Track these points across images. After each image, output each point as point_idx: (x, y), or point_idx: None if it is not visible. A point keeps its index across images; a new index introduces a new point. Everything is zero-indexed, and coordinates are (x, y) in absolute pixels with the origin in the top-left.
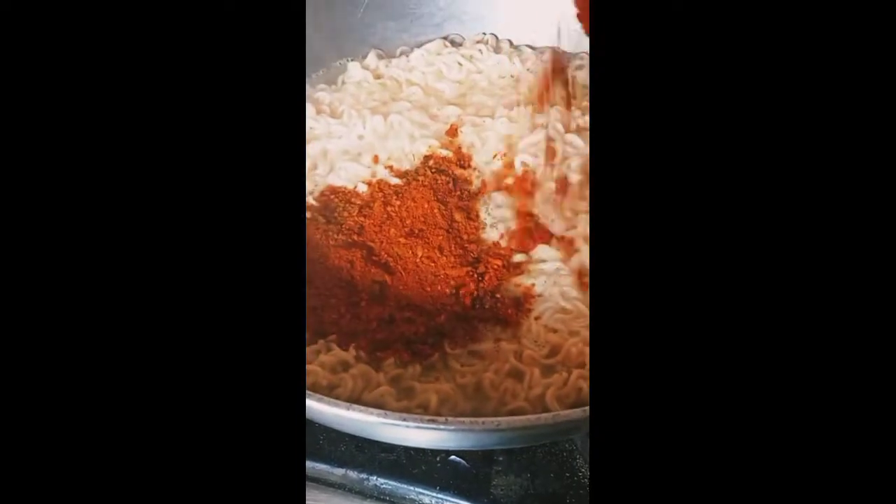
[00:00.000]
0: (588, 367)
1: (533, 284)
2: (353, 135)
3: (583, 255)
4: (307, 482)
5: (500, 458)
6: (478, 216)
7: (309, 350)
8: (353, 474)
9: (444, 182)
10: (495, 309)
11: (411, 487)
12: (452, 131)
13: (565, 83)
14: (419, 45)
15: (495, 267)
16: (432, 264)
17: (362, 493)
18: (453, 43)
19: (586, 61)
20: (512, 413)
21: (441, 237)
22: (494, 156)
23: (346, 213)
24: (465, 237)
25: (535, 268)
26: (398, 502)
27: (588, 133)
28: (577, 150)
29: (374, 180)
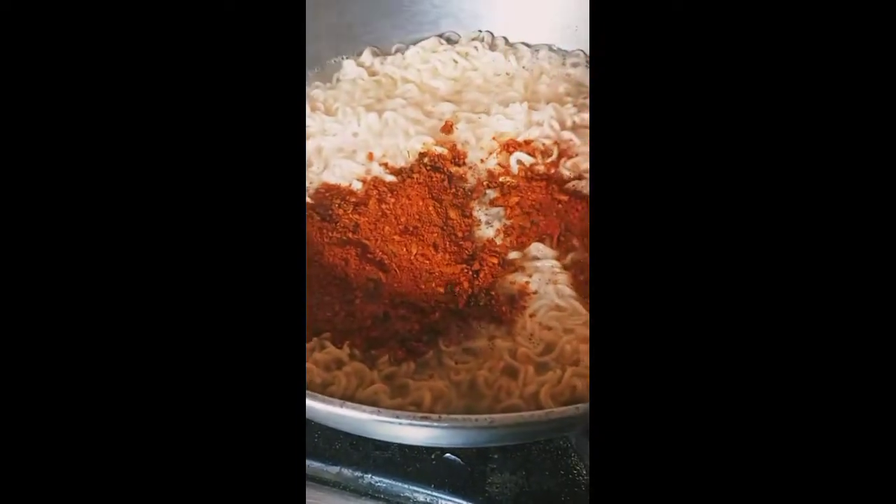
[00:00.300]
0: (582, 364)
1: (528, 282)
2: (348, 132)
3: (578, 253)
4: None
5: (495, 456)
6: (472, 214)
7: None
8: (347, 472)
9: (439, 179)
10: (490, 306)
11: (406, 485)
12: (447, 128)
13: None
14: (414, 43)
15: (490, 264)
16: (427, 262)
17: (357, 491)
18: (449, 40)
19: (582, 59)
20: (506, 411)
21: (436, 234)
22: (490, 153)
23: (340, 211)
24: (459, 234)
25: (530, 265)
26: (393, 500)
27: (584, 130)
28: (572, 147)
29: (368, 177)
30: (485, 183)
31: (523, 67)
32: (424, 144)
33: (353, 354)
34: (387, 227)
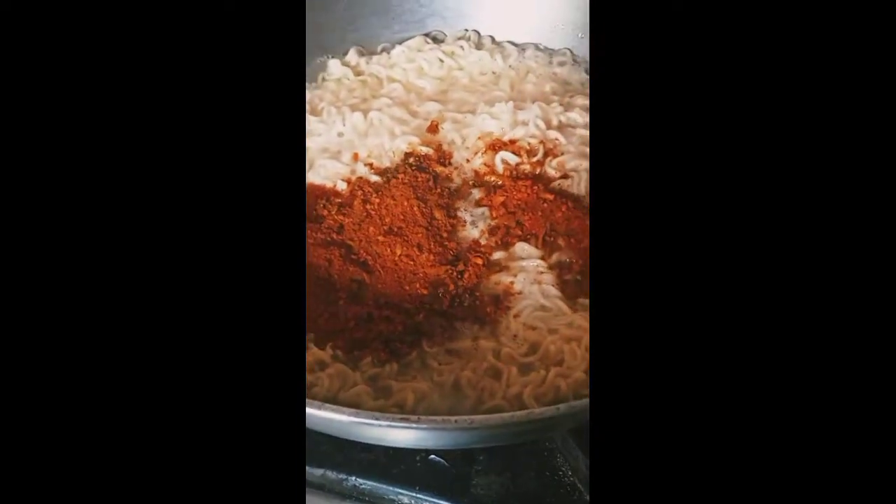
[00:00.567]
0: (566, 364)
1: (512, 282)
2: (333, 132)
3: (563, 253)
4: None
5: (481, 458)
6: (457, 214)
7: None
8: (331, 474)
9: (425, 180)
10: (474, 307)
11: (390, 487)
12: (433, 128)
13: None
14: (400, 42)
15: (475, 265)
16: (411, 262)
17: (341, 494)
18: (435, 39)
19: (568, 57)
20: (489, 412)
21: (420, 235)
22: (475, 153)
23: (325, 212)
24: (444, 235)
25: (515, 265)
26: (377, 502)
27: (570, 129)
28: (558, 146)
29: (353, 178)
30: (470, 183)
31: (510, 66)
32: (410, 144)
33: (337, 356)
34: (371, 228)
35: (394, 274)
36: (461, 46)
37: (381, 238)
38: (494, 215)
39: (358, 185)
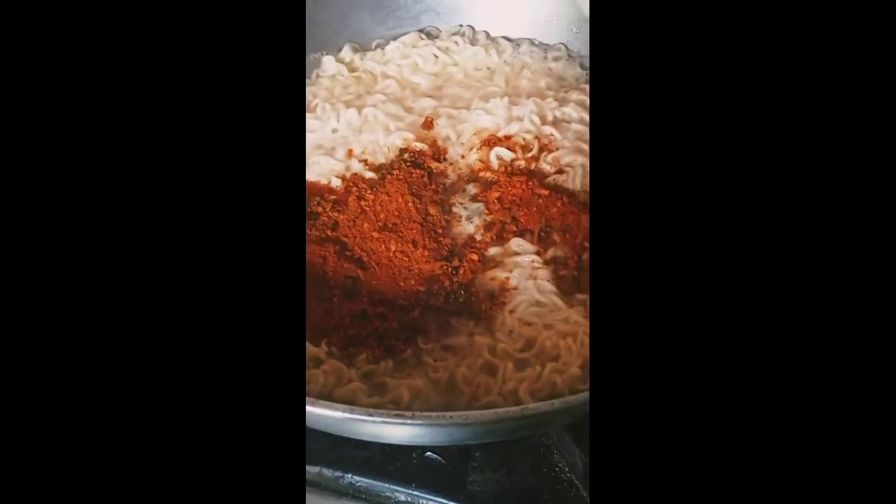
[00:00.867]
0: (562, 360)
1: (507, 278)
2: (327, 129)
3: (558, 248)
4: None
5: (477, 454)
6: (452, 210)
7: None
8: (327, 472)
9: (419, 176)
10: (469, 303)
11: (386, 485)
12: (428, 124)
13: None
14: (395, 38)
15: (470, 261)
16: (406, 259)
17: (337, 491)
18: (429, 35)
19: (563, 53)
20: (484, 408)
21: (415, 231)
22: (470, 149)
23: (319, 209)
24: (439, 231)
25: (510, 261)
26: (373, 500)
27: (565, 125)
28: (553, 142)
29: (348, 174)
30: (465, 179)
31: (504, 62)
32: (405, 140)
33: (331, 352)
34: (366, 224)
35: (388, 270)
36: (456, 42)
37: (375, 234)
38: (489, 211)
39: (352, 181)
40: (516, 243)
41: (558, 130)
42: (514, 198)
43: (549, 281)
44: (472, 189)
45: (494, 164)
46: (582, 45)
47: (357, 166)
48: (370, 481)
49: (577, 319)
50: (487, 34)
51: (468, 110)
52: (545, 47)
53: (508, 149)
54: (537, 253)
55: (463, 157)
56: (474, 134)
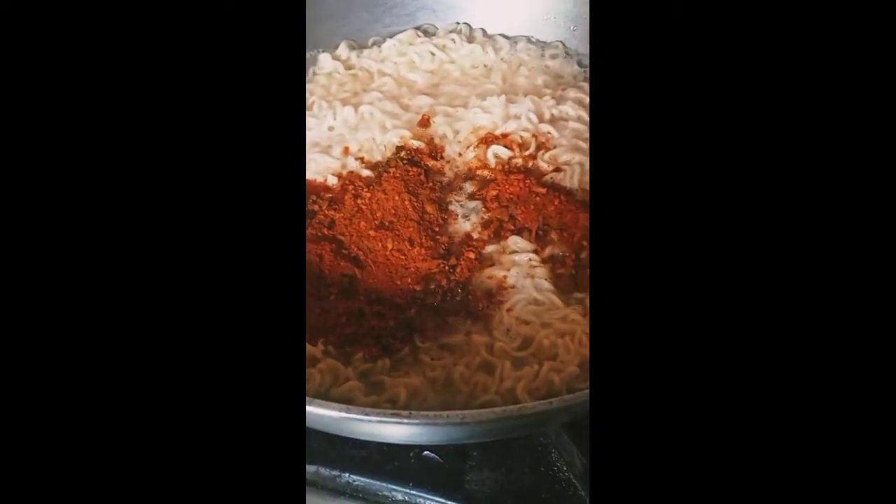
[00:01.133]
0: (559, 359)
1: (505, 276)
2: (324, 126)
3: (556, 246)
4: None
5: (475, 454)
6: (449, 208)
7: None
8: (324, 471)
9: (416, 174)
10: (466, 301)
11: (384, 484)
12: (424, 122)
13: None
14: (391, 36)
15: (467, 259)
16: (402, 257)
17: (335, 491)
18: (426, 33)
19: (561, 50)
20: (482, 407)
21: (412, 229)
22: (467, 147)
23: (315, 207)
24: (436, 229)
25: (508, 259)
26: (371, 499)
27: (563, 123)
28: (551, 140)
29: (344, 172)
30: (462, 176)
31: (501, 59)
32: (401, 138)
33: (328, 351)
34: (362, 223)
35: (385, 269)
36: (452, 40)
37: (371, 232)
38: (487, 209)
39: (349, 179)
40: (514, 241)
41: (556, 128)
42: (511, 196)
43: (546, 279)
44: (469, 187)
45: (492, 162)
46: (579, 42)
47: (353, 164)
48: (368, 480)
49: (574, 318)
50: (484, 31)
51: (465, 108)
52: (542, 45)
53: (506, 147)
54: (535, 251)
55: (460, 154)
56: (471, 132)
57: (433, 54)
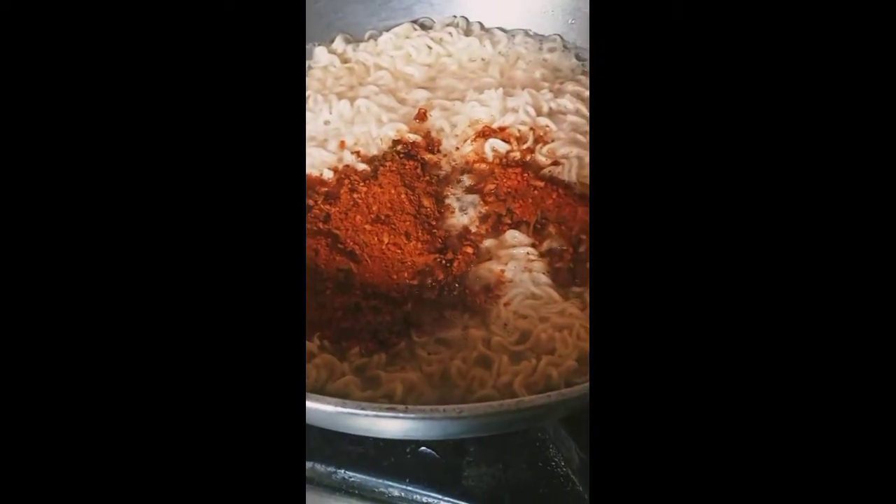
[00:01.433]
0: (557, 353)
1: (503, 270)
2: (320, 120)
3: (554, 240)
4: None
5: (472, 449)
6: (446, 201)
7: None
8: (320, 468)
9: (413, 167)
10: (464, 296)
11: (380, 480)
12: (421, 115)
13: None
14: (388, 29)
15: (464, 253)
16: (399, 251)
17: (330, 487)
18: (423, 26)
19: (559, 44)
20: (479, 401)
21: (408, 223)
22: (464, 140)
23: (311, 201)
24: (433, 223)
25: (506, 253)
26: (367, 495)
27: (561, 116)
28: (548, 133)
29: (340, 166)
30: (459, 170)
31: (499, 53)
32: (398, 131)
33: (324, 346)
34: (358, 217)
35: (381, 263)
36: (449, 33)
37: (367, 227)
38: (484, 202)
39: (344, 173)
40: (511, 235)
41: (554, 122)
42: (509, 189)
43: (544, 273)
44: (466, 180)
45: (489, 155)
46: (577, 35)
47: (349, 158)
48: (364, 477)
49: (573, 312)
50: (481, 25)
51: (462, 102)
52: (540, 38)
53: (503, 140)
54: (532, 245)
55: (457, 148)
56: (469, 125)
57: (430, 48)
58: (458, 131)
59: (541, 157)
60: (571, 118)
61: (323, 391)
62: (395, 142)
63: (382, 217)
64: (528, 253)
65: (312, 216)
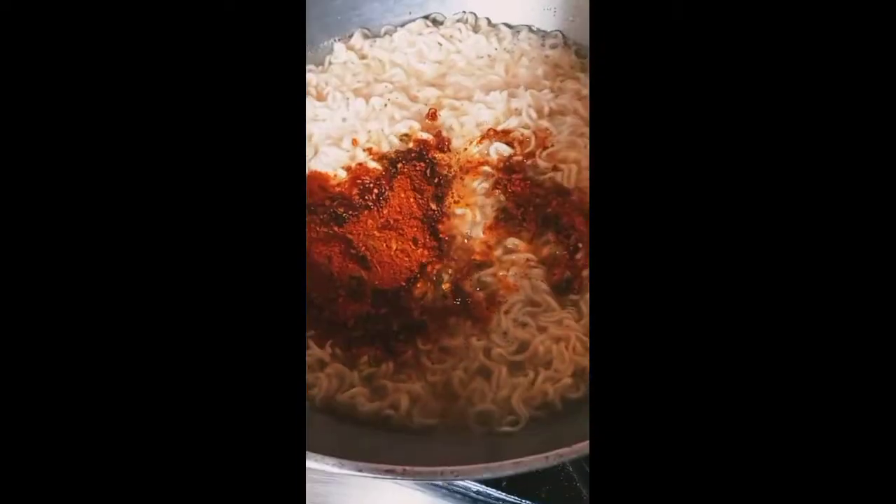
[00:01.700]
0: (553, 367)
1: (504, 276)
2: (337, 118)
3: (552, 247)
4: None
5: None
6: (452, 206)
7: None
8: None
9: (422, 169)
10: (465, 303)
11: None
12: (432, 115)
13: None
14: (402, 25)
15: (469, 259)
16: (406, 258)
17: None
18: (435, 22)
19: (560, 40)
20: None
21: (416, 228)
22: (470, 142)
23: (326, 202)
24: (439, 227)
25: (506, 259)
26: None
27: (560, 117)
28: (549, 137)
29: (353, 164)
30: (464, 172)
31: (504, 49)
32: (410, 129)
33: (335, 355)
34: (369, 221)
35: (390, 269)
36: (459, 29)
37: (377, 232)
38: (487, 208)
39: (357, 173)
40: (511, 242)
41: (554, 123)
42: (511, 194)
43: (542, 280)
44: (470, 185)
45: (493, 158)
46: (578, 32)
47: (362, 156)
48: None
49: (569, 323)
50: (489, 21)
51: (470, 101)
52: (543, 34)
53: (507, 144)
54: (532, 252)
55: (465, 149)
56: (476, 126)
57: (440, 44)
58: (465, 132)
59: (542, 162)
60: (571, 119)
61: (333, 401)
62: (406, 136)
63: (392, 221)
64: (527, 259)
65: (326, 218)
